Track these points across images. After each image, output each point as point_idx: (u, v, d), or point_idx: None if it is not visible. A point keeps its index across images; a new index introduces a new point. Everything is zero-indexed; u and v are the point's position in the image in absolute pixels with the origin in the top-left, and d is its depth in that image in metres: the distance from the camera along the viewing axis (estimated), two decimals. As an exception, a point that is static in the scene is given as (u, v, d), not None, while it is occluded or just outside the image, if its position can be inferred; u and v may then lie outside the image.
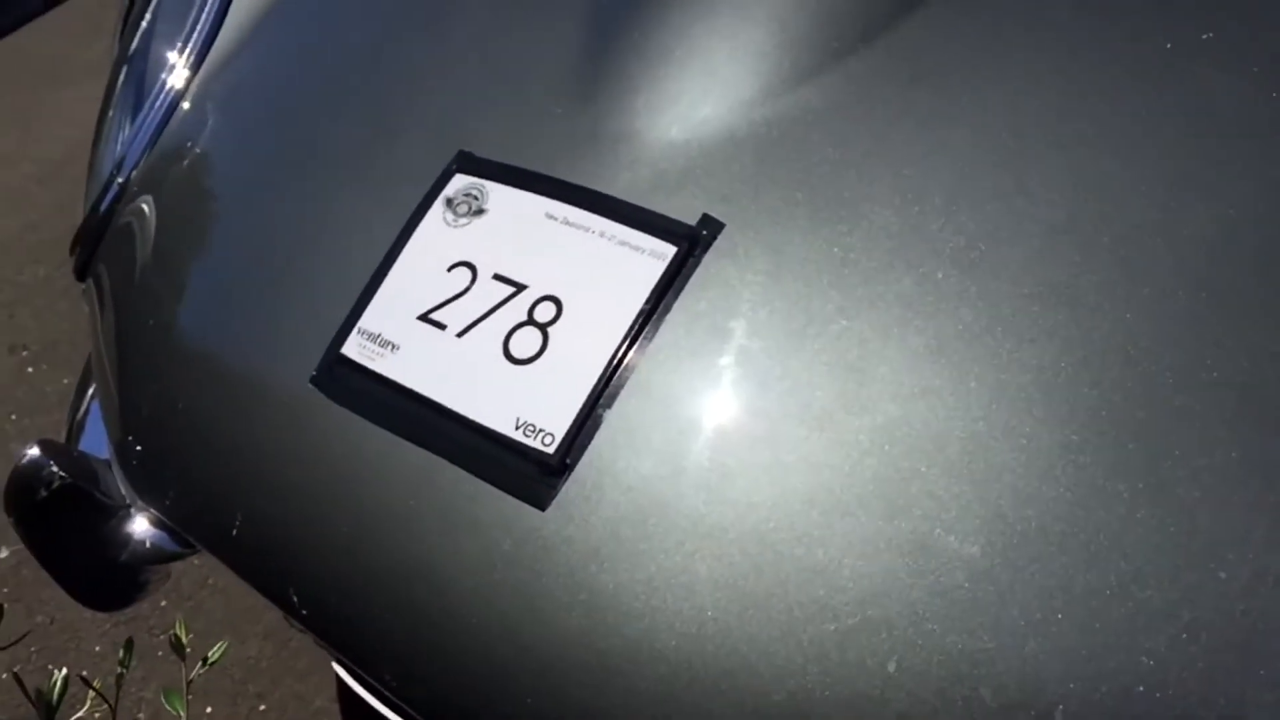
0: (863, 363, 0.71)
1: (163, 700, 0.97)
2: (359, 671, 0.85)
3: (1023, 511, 0.64)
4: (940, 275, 0.71)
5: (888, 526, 0.67)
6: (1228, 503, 0.61)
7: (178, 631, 1.02)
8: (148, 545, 1.10)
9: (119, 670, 1.01)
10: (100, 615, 1.58)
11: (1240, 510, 0.61)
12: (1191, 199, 0.68)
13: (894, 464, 0.68)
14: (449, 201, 0.88)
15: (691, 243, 0.77)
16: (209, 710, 1.48)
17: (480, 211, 0.86)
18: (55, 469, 1.08)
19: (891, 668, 0.64)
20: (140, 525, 1.10)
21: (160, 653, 1.54)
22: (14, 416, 1.94)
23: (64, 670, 0.98)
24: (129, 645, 1.03)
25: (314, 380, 0.86)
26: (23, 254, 2.05)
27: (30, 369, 2.03)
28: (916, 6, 0.81)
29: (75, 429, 1.24)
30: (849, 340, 0.71)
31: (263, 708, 1.43)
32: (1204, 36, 0.74)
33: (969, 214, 0.72)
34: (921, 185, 0.74)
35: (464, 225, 0.86)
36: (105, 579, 1.12)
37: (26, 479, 1.07)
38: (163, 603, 1.58)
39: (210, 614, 1.57)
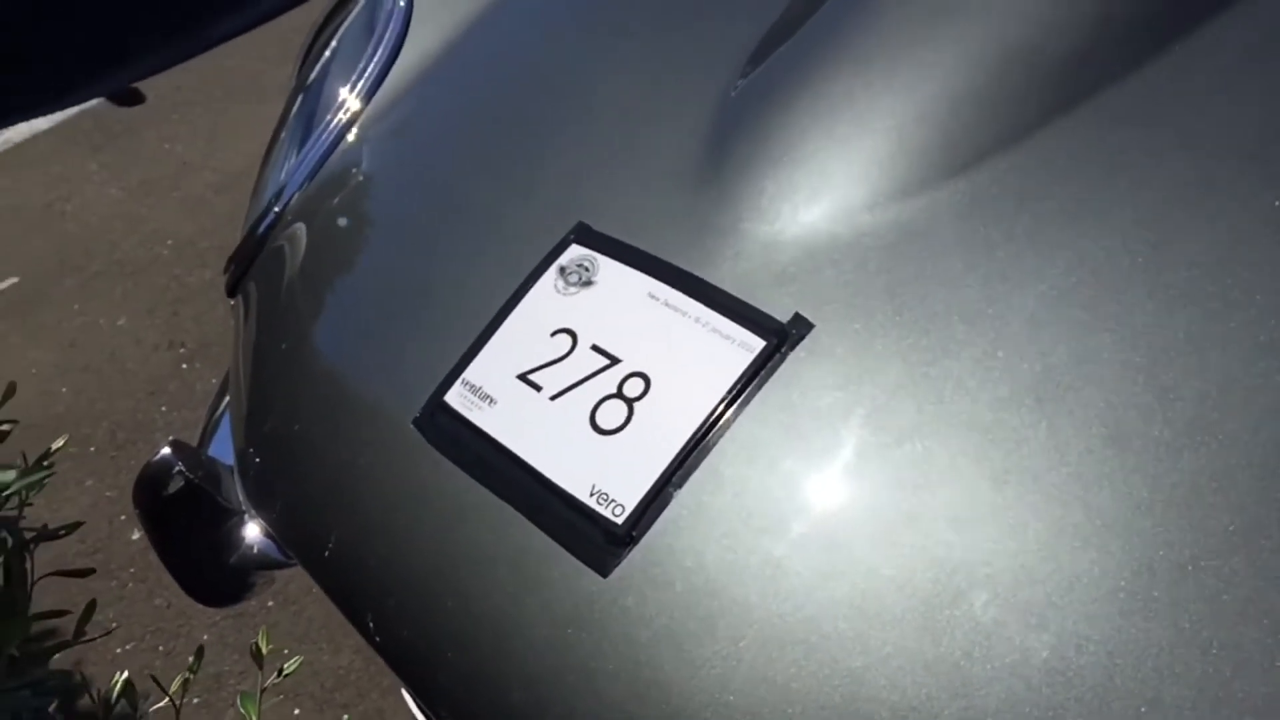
0: (928, 484, 0.72)
1: (238, 702, 1.02)
2: (421, 703, 0.89)
3: (1064, 654, 0.65)
4: (1015, 407, 0.72)
5: (930, 648, 0.68)
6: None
7: (259, 641, 1.09)
8: (255, 551, 1.16)
9: (186, 675, 1.08)
10: (211, 610, 1.68)
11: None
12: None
13: (944, 588, 0.69)
14: (562, 270, 0.93)
15: (780, 339, 0.80)
16: (296, 712, 1.55)
17: (589, 283, 0.91)
18: (182, 469, 1.16)
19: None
20: (252, 531, 1.17)
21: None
22: (164, 408, 2.08)
23: (124, 673, 1.06)
24: (199, 653, 1.10)
25: (415, 422, 0.92)
26: (193, 258, 2.19)
27: (185, 365, 2.16)
28: (1026, 138, 0.83)
29: (209, 431, 1.33)
30: (917, 460, 0.73)
31: (346, 717, 1.49)
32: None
33: (1052, 347, 0.74)
34: (1008, 312, 0.76)
35: (572, 294, 0.91)
36: (213, 577, 1.20)
37: (155, 476, 1.15)
38: (270, 603, 1.67)
39: (311, 620, 1.65)
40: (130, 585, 1.73)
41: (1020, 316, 0.76)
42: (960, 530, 0.70)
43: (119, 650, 1.64)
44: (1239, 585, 0.64)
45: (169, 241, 2.55)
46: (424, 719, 1.15)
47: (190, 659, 1.51)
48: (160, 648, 1.66)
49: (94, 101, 3.22)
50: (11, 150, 3.09)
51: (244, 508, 1.15)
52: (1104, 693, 0.63)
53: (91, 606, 1.10)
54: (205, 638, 1.65)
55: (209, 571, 1.20)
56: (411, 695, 1.12)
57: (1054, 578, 0.67)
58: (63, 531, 1.12)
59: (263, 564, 1.18)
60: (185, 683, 1.07)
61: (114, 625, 1.68)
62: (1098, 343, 0.73)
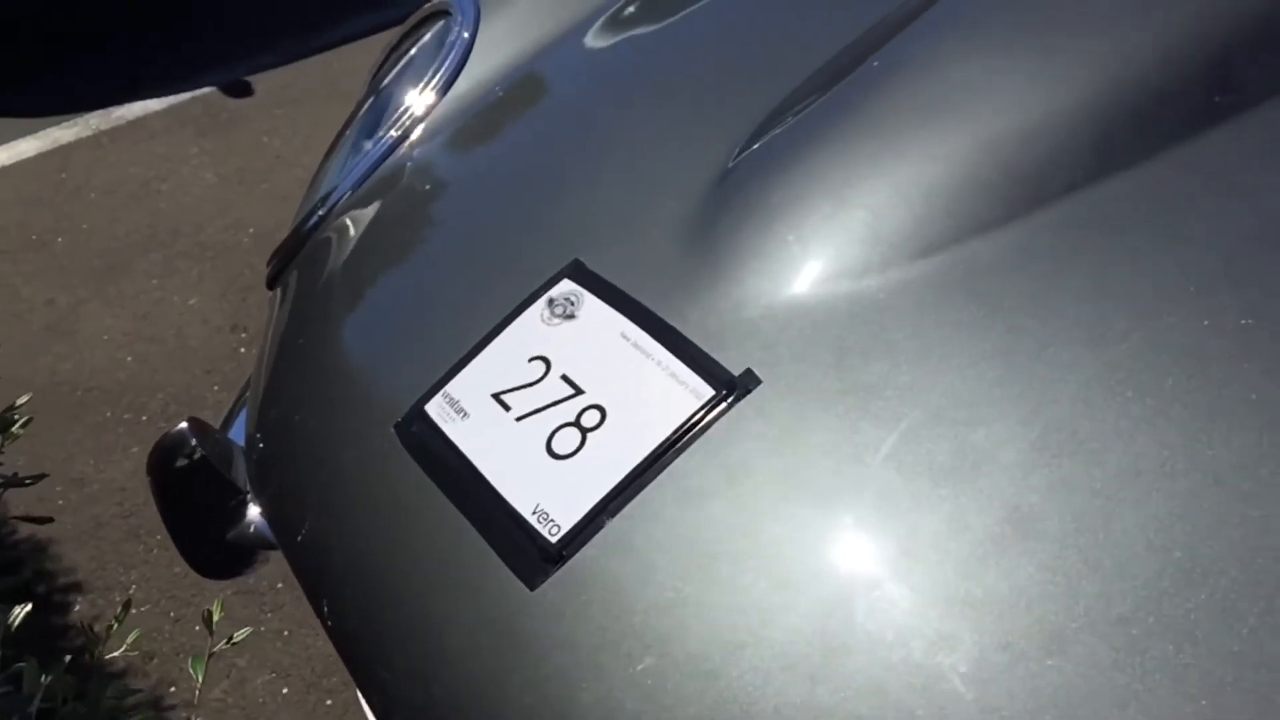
0: (834, 542, 0.76)
1: (190, 668, 1.09)
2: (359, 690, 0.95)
3: (941, 706, 0.68)
4: (928, 480, 0.76)
5: (819, 694, 0.72)
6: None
7: (212, 609, 1.15)
8: (252, 530, 1.23)
9: (112, 623, 1.15)
10: (223, 584, 1.76)
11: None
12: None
13: (836, 641, 0.73)
14: (550, 301, 0.99)
15: (729, 390, 0.85)
16: (285, 692, 1.62)
17: (572, 316, 0.96)
18: (195, 445, 1.24)
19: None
20: (252, 511, 1.24)
21: (263, 629, 1.70)
22: (215, 387, 2.18)
23: (28, 606, 1.12)
24: (126, 605, 1.17)
25: (396, 427, 0.98)
26: (269, 249, 2.29)
27: (242, 350, 2.27)
28: (988, 232, 0.86)
29: (233, 414, 1.41)
30: (826, 518, 0.77)
31: (329, 702, 1.56)
32: None
33: (972, 430, 0.77)
34: (936, 390, 0.79)
35: (556, 325, 0.97)
36: (211, 549, 1.27)
37: (169, 448, 1.23)
38: (279, 584, 1.74)
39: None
40: (155, 551, 1.83)
41: (946, 397, 0.79)
42: (857, 588, 0.74)
43: (134, 611, 1.72)
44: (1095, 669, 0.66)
45: (250, 230, 2.67)
46: (368, 710, 1.20)
47: (199, 625, 1.60)
48: (171, 614, 1.74)
49: (207, 89, 3.37)
50: (123, 127, 3.26)
51: (247, 488, 1.22)
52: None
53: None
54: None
55: (208, 543, 1.27)
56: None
57: (937, 643, 0.71)
58: (28, 481, 1.20)
59: (259, 543, 1.25)
60: (109, 629, 1.14)
61: (132, 588, 1.77)
62: (1015, 433, 0.76)
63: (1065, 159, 0.88)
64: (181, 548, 1.28)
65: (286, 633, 1.68)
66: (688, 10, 1.28)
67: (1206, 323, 0.77)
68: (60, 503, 1.98)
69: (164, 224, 2.79)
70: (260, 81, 3.39)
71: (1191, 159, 0.86)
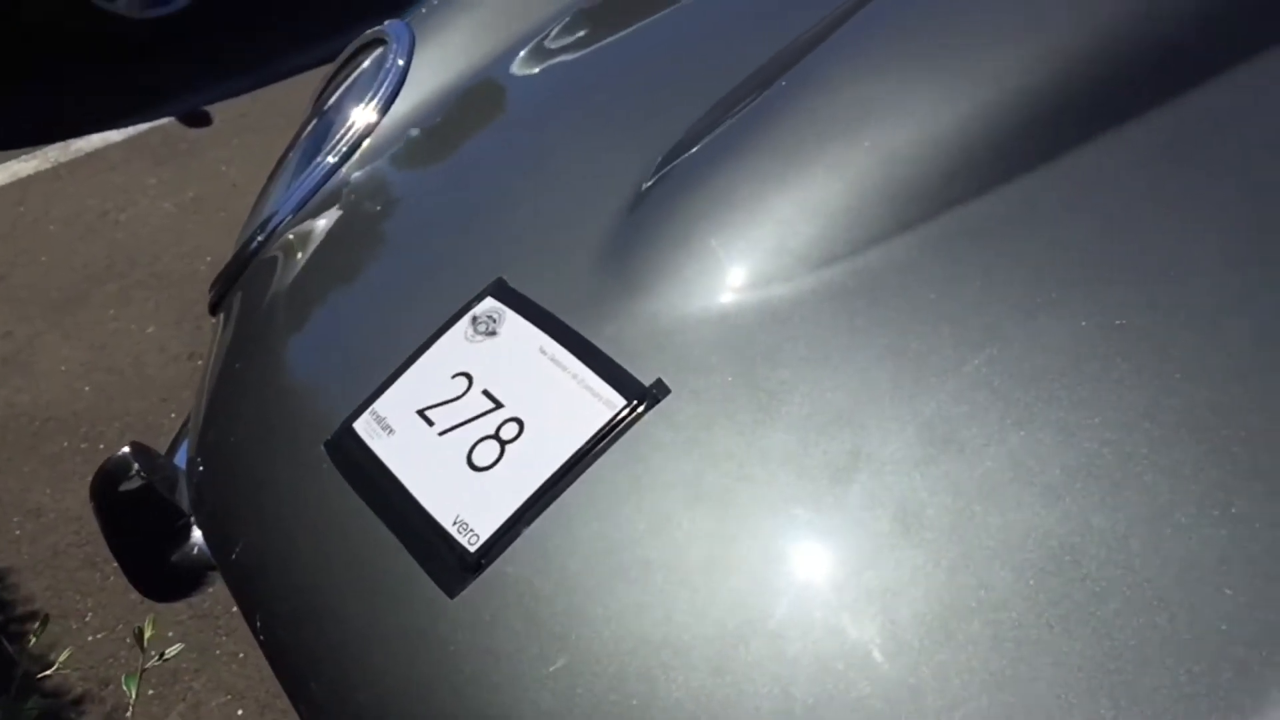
0: (735, 539, 0.80)
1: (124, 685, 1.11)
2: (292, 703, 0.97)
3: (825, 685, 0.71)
4: (821, 483, 0.79)
5: (721, 687, 0.75)
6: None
7: (144, 627, 1.17)
8: (196, 552, 1.26)
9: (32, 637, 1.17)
10: (179, 608, 1.77)
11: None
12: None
13: (735, 636, 0.76)
14: (474, 319, 1.02)
15: (640, 400, 0.88)
16: (240, 713, 1.64)
17: (494, 333, 1.00)
18: (138, 469, 1.26)
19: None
20: (196, 534, 1.27)
21: (218, 651, 1.72)
22: (173, 414, 2.20)
23: None
24: (44, 620, 1.19)
25: (326, 445, 1.01)
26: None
27: (199, 377, 2.28)
28: (886, 241, 0.90)
29: (178, 439, 1.43)
30: (727, 518, 0.80)
31: (285, 723, 1.57)
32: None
33: (864, 435, 0.80)
34: (832, 396, 0.83)
35: (478, 342, 1.00)
36: (157, 572, 1.29)
37: (112, 472, 1.25)
38: (234, 609, 1.76)
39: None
40: (111, 578, 1.84)
41: (843, 400, 0.83)
42: (757, 585, 0.77)
43: (90, 639, 1.74)
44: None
45: (208, 258, 2.69)
46: None
47: (155, 650, 1.61)
48: (127, 639, 1.76)
49: (166, 119, 3.39)
50: (82, 159, 3.27)
51: (190, 511, 1.24)
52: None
53: None
54: (170, 634, 1.75)
55: (154, 565, 1.29)
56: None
57: (831, 634, 0.74)
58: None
59: (204, 564, 1.27)
60: (26, 641, 1.16)
61: (88, 615, 1.79)
62: (905, 433, 0.80)
63: (953, 174, 0.92)
64: (127, 570, 1.30)
65: (242, 655, 1.70)
66: (610, 38, 1.32)
67: (1084, 323, 0.81)
68: (17, 533, 1.99)
69: (121, 254, 2.81)
70: (219, 111, 3.41)
71: (1070, 171, 0.90)
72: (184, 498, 1.27)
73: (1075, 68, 0.95)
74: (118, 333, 2.53)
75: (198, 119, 3.39)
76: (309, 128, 1.51)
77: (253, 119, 3.32)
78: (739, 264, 0.93)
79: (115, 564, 1.75)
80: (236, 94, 3.48)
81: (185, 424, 1.47)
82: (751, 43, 1.17)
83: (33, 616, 1.77)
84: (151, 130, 3.36)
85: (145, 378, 2.35)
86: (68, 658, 1.19)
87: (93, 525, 1.93)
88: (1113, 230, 0.85)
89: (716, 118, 1.07)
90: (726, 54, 1.19)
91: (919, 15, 1.05)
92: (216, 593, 1.32)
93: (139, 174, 3.17)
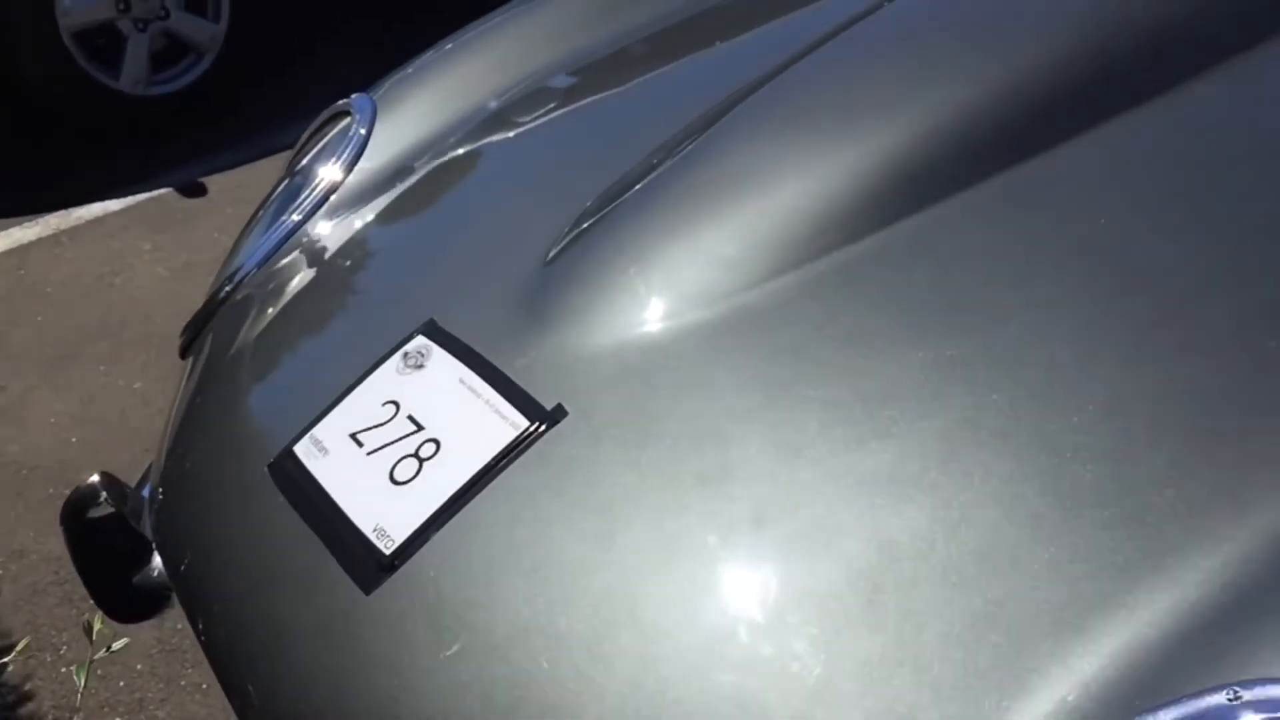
0: (614, 548, 0.90)
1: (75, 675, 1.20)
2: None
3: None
4: (687, 491, 0.90)
5: (598, 674, 0.85)
6: None
7: (93, 620, 1.27)
8: (157, 575, 1.36)
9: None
10: (149, 642, 1.87)
11: None
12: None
13: (603, 633, 0.86)
14: (405, 354, 1.13)
15: (541, 422, 0.99)
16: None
17: (421, 366, 1.11)
18: (105, 497, 1.37)
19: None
20: (157, 559, 1.37)
21: (183, 682, 1.81)
22: (146, 451, 2.30)
23: None
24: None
25: (269, 466, 1.12)
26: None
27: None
28: (765, 284, 1.02)
29: (147, 473, 1.54)
30: (609, 528, 0.91)
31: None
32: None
33: (730, 449, 0.92)
34: (708, 419, 0.94)
35: (408, 374, 1.11)
36: (121, 594, 1.39)
37: (80, 499, 1.36)
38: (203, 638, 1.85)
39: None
40: (86, 614, 1.92)
41: (713, 421, 0.94)
42: (629, 580, 0.88)
43: (63, 670, 1.83)
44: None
45: (196, 319, 2.81)
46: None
47: (123, 681, 1.71)
48: (99, 671, 1.85)
49: (164, 189, 3.55)
50: (82, 226, 3.42)
51: (151, 537, 1.35)
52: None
53: None
54: (139, 667, 1.84)
55: (118, 588, 1.39)
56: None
57: (690, 621, 0.84)
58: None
59: (163, 586, 1.37)
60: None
61: (64, 648, 1.88)
62: (764, 449, 0.91)
63: (824, 227, 1.05)
64: (93, 592, 1.40)
65: (205, 685, 1.79)
66: (544, 117, 1.46)
67: (920, 354, 0.93)
68: (0, 573, 2.09)
69: (115, 315, 2.94)
70: (214, 182, 3.56)
71: (921, 225, 1.03)
72: (147, 525, 1.38)
73: (930, 138, 1.07)
74: (106, 387, 2.64)
75: (194, 189, 3.54)
76: (280, 187, 1.64)
77: (247, 190, 3.46)
78: (634, 306, 1.06)
79: (90, 601, 1.85)
80: (233, 166, 3.63)
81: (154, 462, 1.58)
82: (662, 121, 1.30)
83: (8, 650, 1.86)
84: (149, 200, 3.51)
85: (130, 429, 2.46)
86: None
87: (72, 566, 2.03)
88: (949, 277, 0.98)
89: (626, 184, 1.20)
90: (640, 130, 1.32)
91: (799, 98, 1.19)
92: (185, 629, 1.41)
93: (135, 240, 3.31)
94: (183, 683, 1.81)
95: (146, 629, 1.92)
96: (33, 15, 3.45)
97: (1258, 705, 0.65)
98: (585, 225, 1.17)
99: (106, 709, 1.79)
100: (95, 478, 1.39)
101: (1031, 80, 1.08)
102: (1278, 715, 0.64)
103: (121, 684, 1.83)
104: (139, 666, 1.85)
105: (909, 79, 1.13)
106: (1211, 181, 1.01)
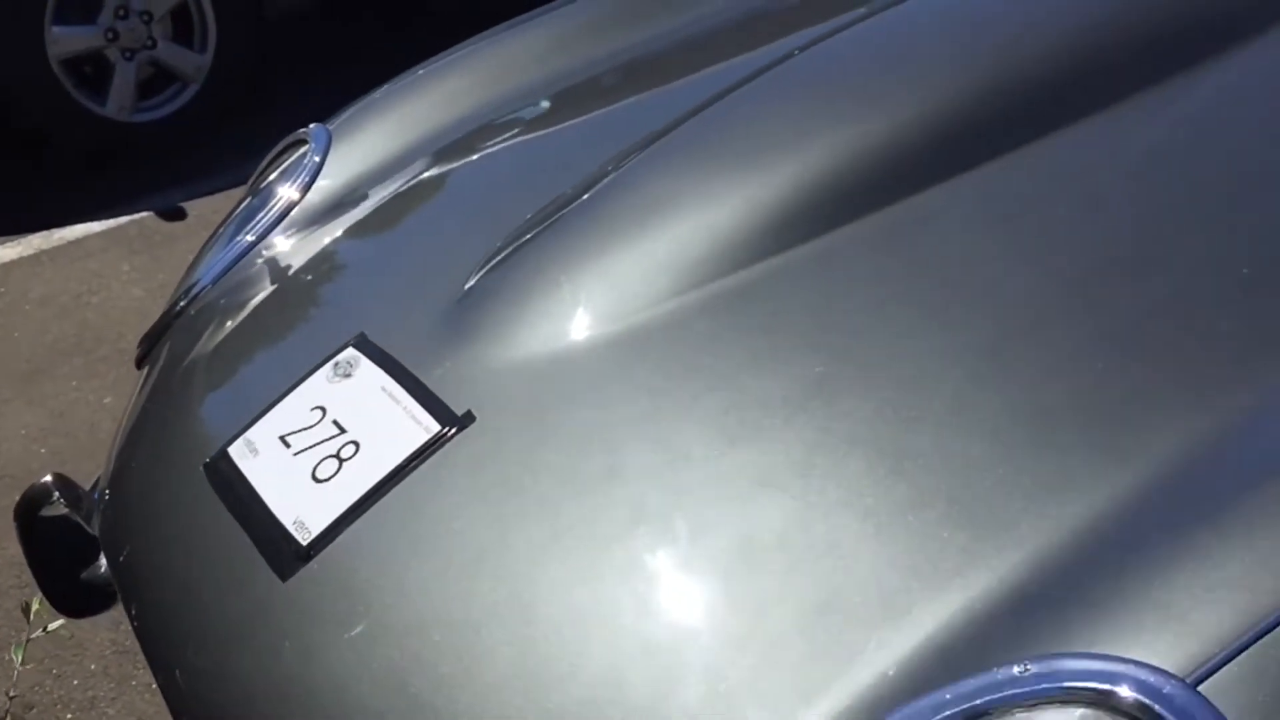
0: (506, 537, 0.99)
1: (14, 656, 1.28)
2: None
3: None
4: (574, 490, 0.99)
5: (476, 643, 0.93)
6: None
7: (31, 601, 1.35)
8: (104, 571, 1.43)
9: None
10: (104, 643, 1.94)
11: None
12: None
13: (498, 618, 0.95)
14: (336, 364, 1.22)
15: (452, 425, 1.08)
16: None
17: (349, 375, 1.20)
18: (58, 496, 1.45)
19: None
20: (104, 557, 1.45)
21: (134, 682, 1.88)
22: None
23: None
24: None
25: (204, 466, 1.20)
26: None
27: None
28: (666, 302, 1.11)
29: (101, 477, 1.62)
30: (505, 520, 1.00)
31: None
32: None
33: (616, 453, 1.01)
34: (601, 426, 1.03)
35: (337, 382, 1.20)
36: (70, 589, 1.46)
37: (33, 498, 1.44)
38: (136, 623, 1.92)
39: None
40: (45, 617, 2.01)
41: (606, 429, 1.03)
42: (517, 567, 0.96)
43: (21, 668, 1.90)
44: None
45: (168, 338, 2.89)
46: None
47: (77, 680, 1.79)
48: (54, 670, 1.92)
49: (144, 213, 3.64)
50: (63, 246, 3.51)
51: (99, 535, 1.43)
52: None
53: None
54: (93, 667, 1.91)
55: (67, 582, 1.47)
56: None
57: (570, 607, 0.93)
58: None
59: (110, 582, 1.44)
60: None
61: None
62: (651, 453, 1.00)
63: (720, 253, 1.14)
64: (44, 586, 1.47)
65: (154, 685, 1.85)
66: (483, 152, 1.55)
67: (795, 370, 1.02)
68: (-37, 578, 2.17)
69: (90, 333, 3.02)
70: (193, 207, 3.65)
71: (807, 255, 1.12)
72: (96, 523, 1.45)
73: (821, 176, 1.17)
74: (77, 402, 2.72)
75: (173, 214, 3.63)
76: (239, 209, 1.74)
77: (223, 215, 3.56)
78: (544, 323, 1.15)
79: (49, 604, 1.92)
80: (212, 192, 3.72)
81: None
82: (593, 156, 1.40)
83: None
84: (130, 223, 3.60)
85: (97, 441, 2.54)
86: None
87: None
88: (824, 301, 1.07)
89: (547, 213, 1.30)
90: (571, 165, 1.41)
91: (706, 137, 1.29)
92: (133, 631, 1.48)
93: (114, 262, 3.40)
94: (134, 682, 1.87)
95: (102, 631, 1.99)
96: (22, 42, 3.55)
97: (1044, 676, 0.73)
98: (506, 251, 1.27)
99: (60, 706, 1.86)
100: (48, 478, 1.46)
101: (913, 127, 1.18)
102: (1060, 684, 0.73)
103: (75, 683, 1.90)
104: (92, 667, 1.92)
105: (805, 122, 1.24)
106: (1071, 221, 1.10)
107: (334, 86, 4.28)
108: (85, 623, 2.01)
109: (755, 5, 1.73)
